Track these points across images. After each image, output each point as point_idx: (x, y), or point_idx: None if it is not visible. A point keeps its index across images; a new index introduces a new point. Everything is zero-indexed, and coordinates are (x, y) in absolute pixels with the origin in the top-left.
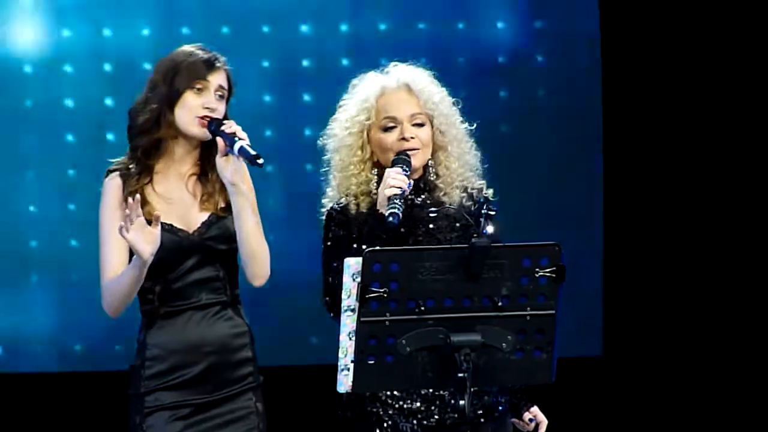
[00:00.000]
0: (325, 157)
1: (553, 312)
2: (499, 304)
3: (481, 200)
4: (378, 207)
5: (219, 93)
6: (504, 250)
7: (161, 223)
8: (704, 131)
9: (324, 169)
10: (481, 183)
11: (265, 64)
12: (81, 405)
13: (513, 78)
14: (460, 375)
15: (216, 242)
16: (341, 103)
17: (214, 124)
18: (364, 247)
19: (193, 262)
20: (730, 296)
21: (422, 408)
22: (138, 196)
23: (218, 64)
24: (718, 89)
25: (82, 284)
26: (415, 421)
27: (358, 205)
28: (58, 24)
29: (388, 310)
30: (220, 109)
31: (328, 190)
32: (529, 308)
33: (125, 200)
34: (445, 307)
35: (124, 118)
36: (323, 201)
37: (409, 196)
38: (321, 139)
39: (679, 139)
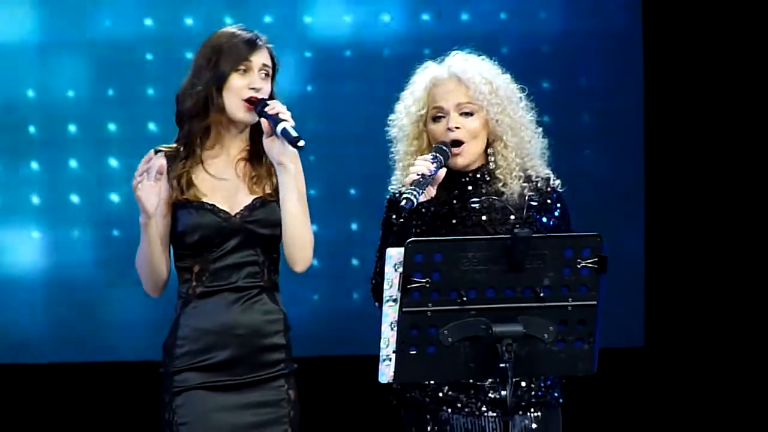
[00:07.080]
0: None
1: (595, 303)
2: (541, 294)
3: (548, 191)
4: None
5: (263, 72)
6: (546, 241)
7: (204, 202)
8: (748, 121)
9: (391, 153)
10: (547, 173)
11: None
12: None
13: (555, 69)
14: (502, 366)
15: (258, 226)
16: (402, 93)
17: (259, 106)
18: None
19: (233, 244)
20: None
21: (464, 398)
22: (163, 161)
23: (260, 43)
24: (759, 85)
25: None
26: (458, 409)
27: None
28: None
29: (430, 300)
30: (265, 88)
31: (392, 177)
32: (570, 299)
33: (170, 183)
34: (488, 297)
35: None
36: (389, 187)
37: (468, 187)
38: (387, 126)
39: (720, 130)
